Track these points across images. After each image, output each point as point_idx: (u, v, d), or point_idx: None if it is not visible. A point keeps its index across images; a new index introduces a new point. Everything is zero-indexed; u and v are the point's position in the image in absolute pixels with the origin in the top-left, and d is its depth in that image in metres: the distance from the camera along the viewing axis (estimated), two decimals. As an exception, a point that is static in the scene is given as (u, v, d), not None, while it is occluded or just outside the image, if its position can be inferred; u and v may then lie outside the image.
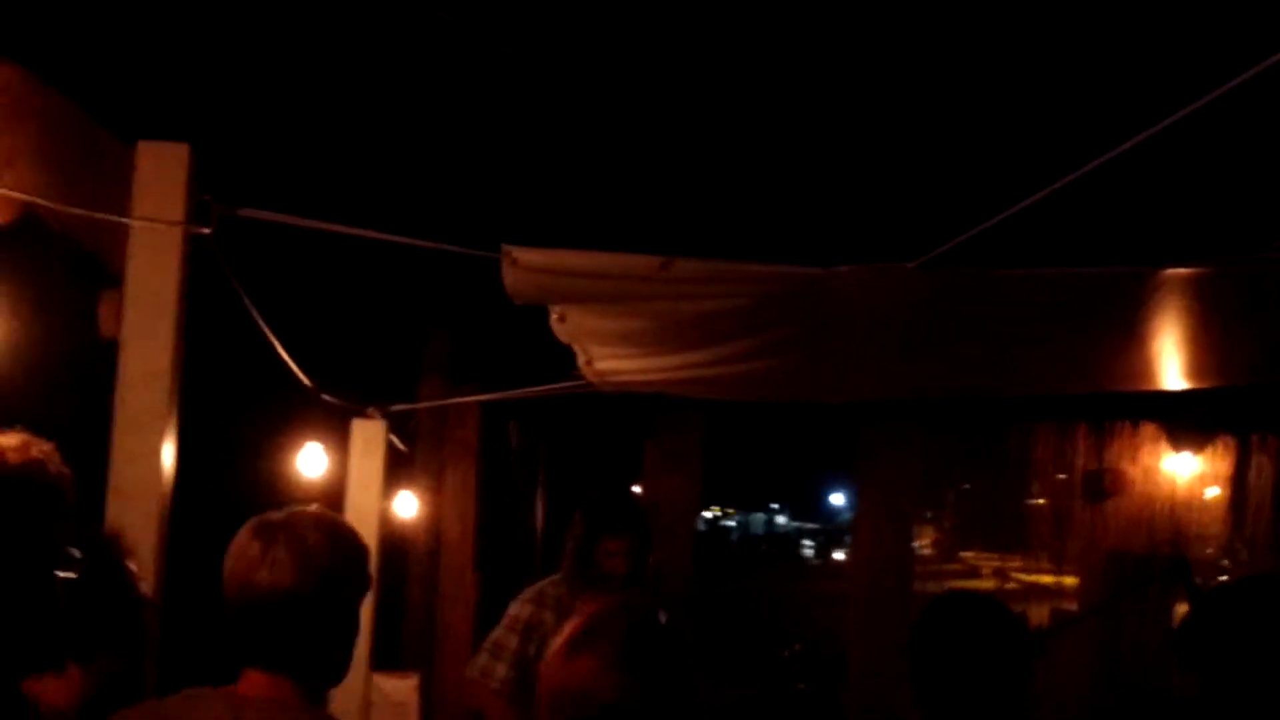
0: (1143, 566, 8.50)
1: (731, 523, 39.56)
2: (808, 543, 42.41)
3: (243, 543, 2.67)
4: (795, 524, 48.02)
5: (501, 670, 5.32)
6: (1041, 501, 16.65)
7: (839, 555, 38.90)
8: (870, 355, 5.11)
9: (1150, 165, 3.24)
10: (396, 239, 4.55)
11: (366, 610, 4.98)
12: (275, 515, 2.70)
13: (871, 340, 4.86)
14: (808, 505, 47.29)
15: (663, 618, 2.65)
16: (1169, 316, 4.68)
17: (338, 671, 2.76)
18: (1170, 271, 4.21)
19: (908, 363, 5.27)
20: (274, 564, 2.62)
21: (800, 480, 42.08)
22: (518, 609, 5.46)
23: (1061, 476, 12.21)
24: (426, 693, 7.60)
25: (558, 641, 2.64)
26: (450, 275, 5.15)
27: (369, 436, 6.29)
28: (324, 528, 2.70)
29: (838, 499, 47.22)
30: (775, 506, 47.22)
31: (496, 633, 5.47)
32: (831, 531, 43.56)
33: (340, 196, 4.85)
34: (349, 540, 2.74)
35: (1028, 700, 3.43)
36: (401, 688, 7.46)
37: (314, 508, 2.78)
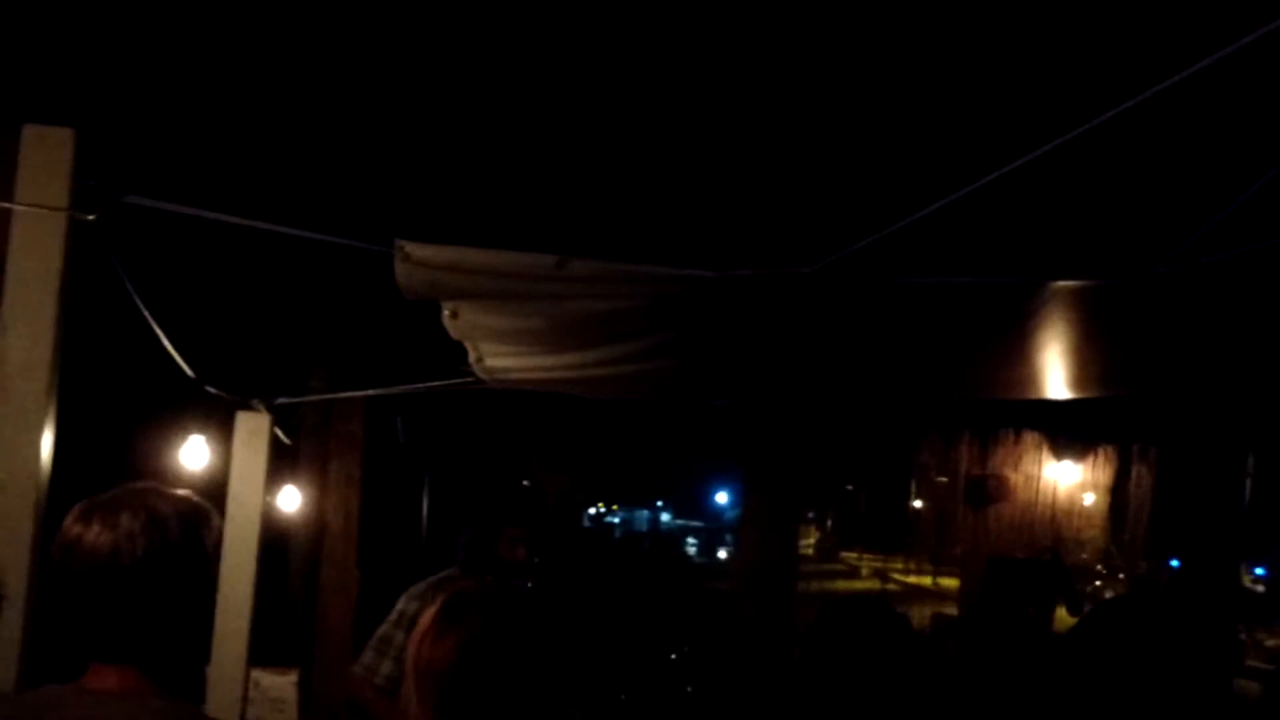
0: (1023, 572, 8.64)
1: (615, 519, 39.61)
2: (691, 541, 42.58)
3: (71, 523, 2.58)
4: (679, 522, 48.20)
5: (387, 667, 5.30)
6: (923, 505, 16.95)
7: (722, 554, 39.19)
8: (762, 359, 5.13)
9: (1045, 178, 3.29)
10: (284, 230, 4.47)
11: (245, 604, 4.93)
12: (110, 493, 2.62)
13: (764, 345, 4.87)
14: (691, 504, 47.53)
15: (525, 598, 2.68)
16: (1055, 328, 4.75)
17: (189, 655, 2.66)
18: (1058, 284, 4.28)
19: (798, 367, 5.30)
20: (101, 540, 2.53)
21: (684, 479, 42.32)
22: (405, 604, 5.46)
23: (943, 480, 12.42)
24: (306, 688, 7.50)
25: (424, 621, 2.66)
26: (340, 269, 5.08)
27: (253, 429, 6.17)
28: (157, 500, 2.62)
29: (721, 498, 47.52)
30: (659, 504, 47.34)
31: (383, 628, 5.45)
32: (715, 530, 43.80)
33: (231, 188, 4.76)
34: (185, 511, 2.64)
35: (916, 703, 3.47)
36: (281, 683, 7.36)
37: (147, 484, 2.70)
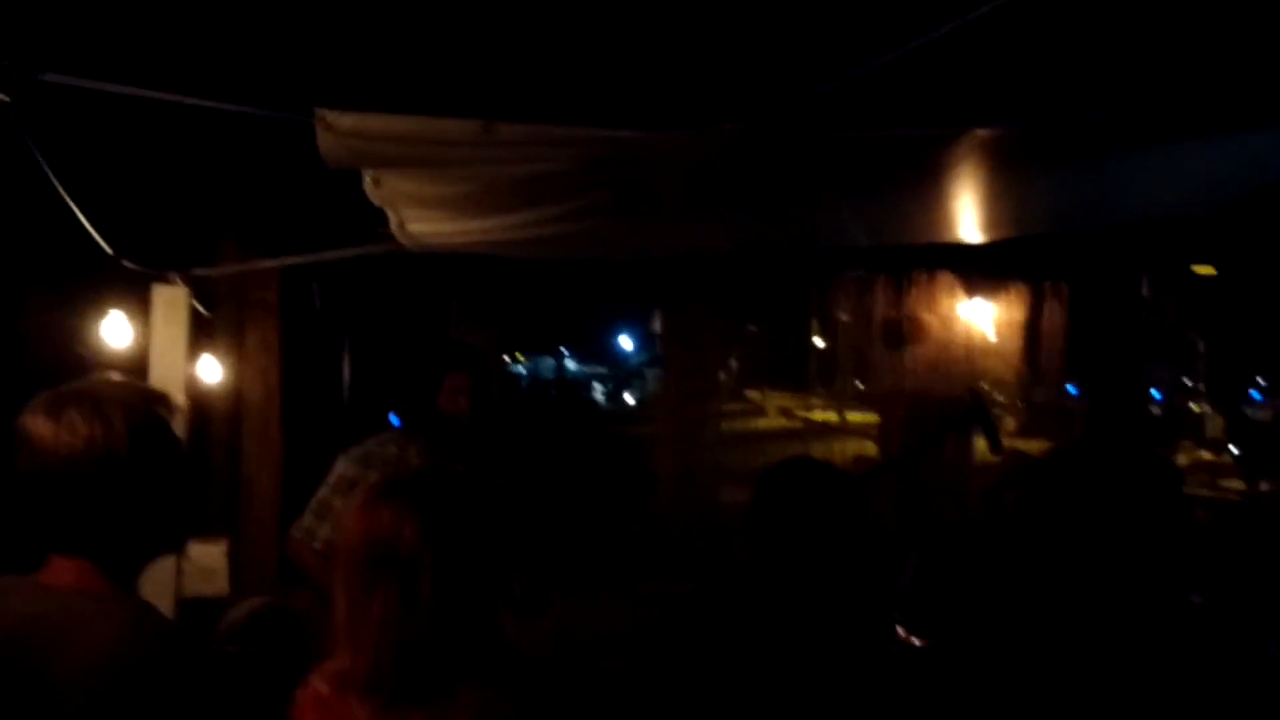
0: (942, 410, 8.84)
1: (521, 369, 39.65)
2: (598, 387, 42.79)
3: (33, 416, 2.55)
4: (584, 369, 48.38)
5: (325, 530, 5.27)
6: (838, 346, 17.18)
7: (629, 398, 39.46)
8: (688, 214, 5.15)
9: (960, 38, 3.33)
10: (201, 102, 4.39)
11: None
12: (66, 387, 2.60)
13: (690, 200, 4.90)
14: (596, 349, 47.65)
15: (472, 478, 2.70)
16: (970, 174, 4.83)
17: (151, 548, 2.66)
18: (974, 133, 4.36)
19: (723, 220, 5.33)
20: (68, 433, 2.51)
21: (588, 325, 42.41)
22: (343, 468, 5.41)
23: (844, 318, 12.62)
24: (235, 556, 7.52)
25: (360, 493, 2.69)
26: (252, 136, 4.99)
27: (170, 302, 6.11)
28: (120, 394, 2.59)
29: (626, 343, 47.73)
30: (564, 351, 47.45)
31: (322, 492, 5.41)
32: (621, 375, 44.03)
33: (146, 61, 4.64)
34: (137, 402, 2.63)
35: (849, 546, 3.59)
36: (210, 553, 7.37)
37: (111, 375, 2.68)
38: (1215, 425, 20.57)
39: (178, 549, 2.71)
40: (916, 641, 6.70)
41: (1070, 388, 14.71)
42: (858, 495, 3.61)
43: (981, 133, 4.30)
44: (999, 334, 11.47)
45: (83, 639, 2.46)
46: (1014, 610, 6.04)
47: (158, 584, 5.40)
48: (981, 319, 11.41)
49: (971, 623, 6.26)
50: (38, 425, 2.53)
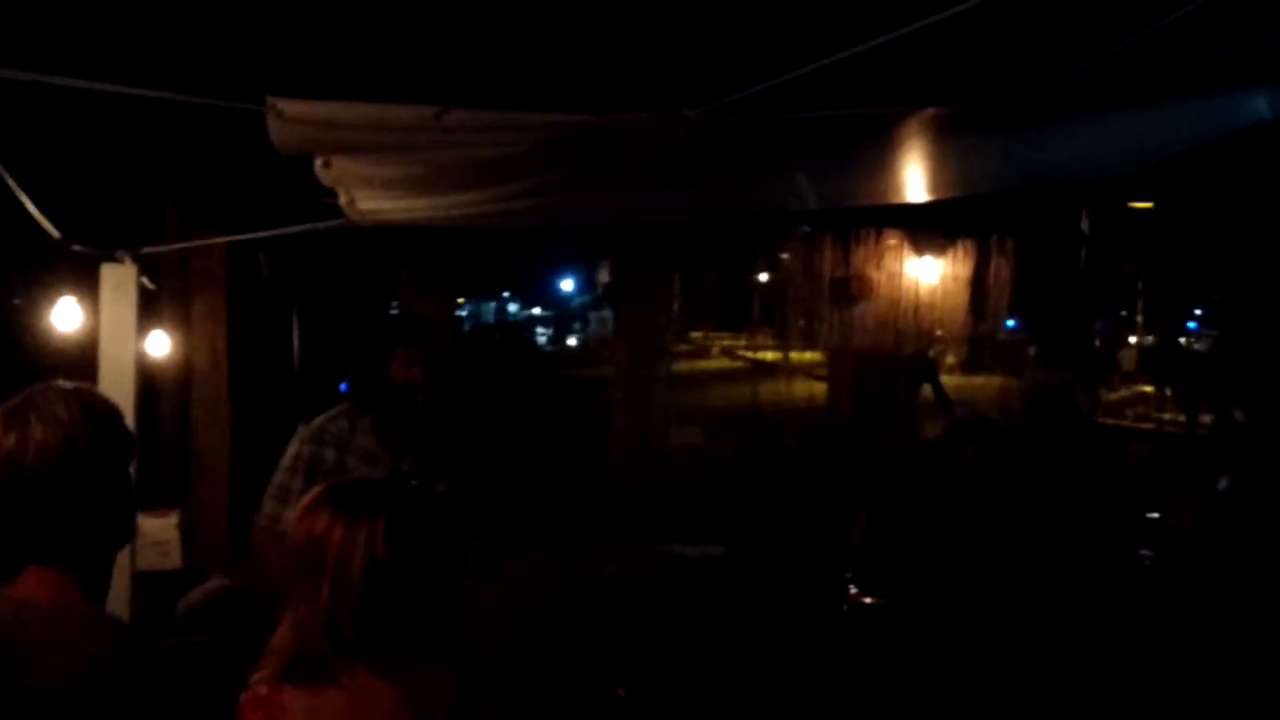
0: (891, 368, 8.90)
1: (463, 313, 39.42)
2: (540, 330, 42.85)
3: None
4: (526, 312, 48.35)
5: (289, 514, 5.20)
6: (765, 278, 17.20)
7: (572, 340, 39.54)
8: (640, 185, 5.15)
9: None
10: (148, 93, 4.35)
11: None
12: (17, 398, 2.61)
13: (642, 174, 4.90)
14: (537, 292, 47.60)
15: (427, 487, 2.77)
16: (919, 143, 4.89)
17: (116, 543, 2.69)
18: (924, 111, 4.41)
19: (675, 190, 5.34)
20: (36, 442, 2.53)
21: (529, 268, 42.28)
22: (298, 448, 5.36)
23: (792, 270, 12.69)
24: (187, 528, 7.50)
25: (305, 499, 2.76)
26: (196, 114, 4.95)
27: (119, 281, 6.01)
28: (71, 398, 2.62)
29: (567, 285, 47.67)
30: (506, 295, 47.36)
31: (279, 476, 5.35)
32: (563, 318, 44.04)
33: (90, 44, 4.59)
34: (100, 406, 2.66)
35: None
36: (163, 525, 7.36)
37: (56, 382, 2.69)
38: (1151, 357, 20.90)
39: (129, 539, 2.74)
40: (869, 600, 6.82)
41: (1009, 322, 14.87)
42: (805, 461, 3.69)
43: (931, 110, 4.35)
44: (946, 289, 11.56)
45: (58, 655, 2.48)
46: (965, 567, 6.15)
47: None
48: (929, 275, 11.48)
49: (924, 580, 6.36)
50: (1, 440, 2.53)
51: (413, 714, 2.61)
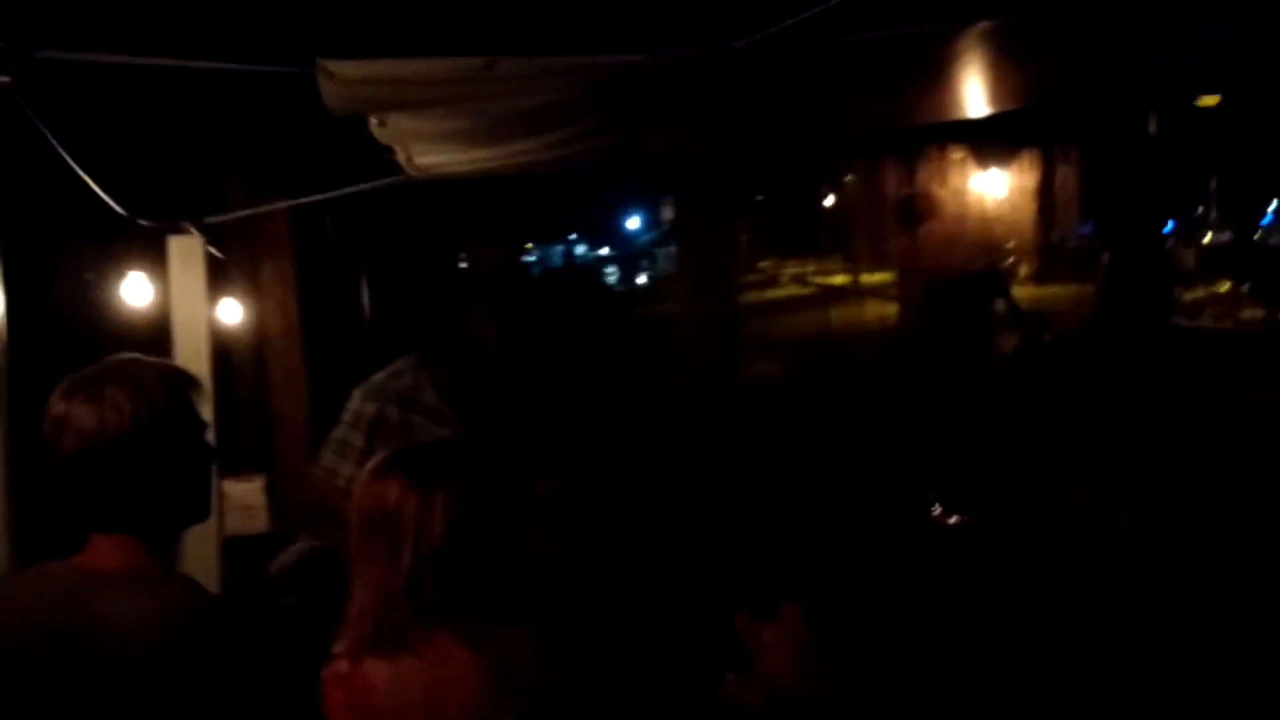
0: (960, 287, 8.82)
1: (531, 258, 39.49)
2: (609, 270, 42.79)
3: (68, 400, 2.59)
4: (594, 253, 48.32)
5: (348, 469, 5.16)
6: (834, 210, 17.06)
7: (641, 279, 39.47)
8: (697, 124, 5.13)
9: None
10: (201, 64, 4.39)
11: (207, 419, 4.98)
12: (92, 369, 2.64)
13: (699, 113, 4.88)
14: (604, 233, 47.53)
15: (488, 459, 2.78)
16: (976, 59, 4.83)
17: (188, 516, 2.71)
18: (977, 25, 4.36)
19: (733, 125, 5.31)
20: (113, 412, 2.56)
21: (594, 209, 42.22)
22: (359, 405, 5.32)
23: (856, 192, 12.59)
24: (273, 491, 7.61)
25: (370, 465, 2.78)
26: (253, 82, 4.98)
27: (186, 251, 6.09)
28: (144, 370, 2.65)
29: (633, 224, 47.58)
30: (573, 237, 47.35)
31: (340, 430, 5.32)
32: (630, 257, 43.97)
33: (142, 19, 4.63)
34: (168, 378, 2.68)
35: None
36: (248, 489, 7.48)
37: (130, 355, 2.72)
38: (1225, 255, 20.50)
39: (206, 517, 2.77)
40: (953, 519, 6.82)
41: (1082, 229, 14.67)
42: (881, 382, 3.68)
43: (984, 24, 4.29)
44: (1013, 202, 11.42)
45: (130, 621, 2.53)
46: (1048, 481, 6.13)
47: (201, 525, 5.47)
48: (995, 189, 11.34)
49: (1006, 499, 6.35)
50: (76, 409, 2.57)
51: (494, 678, 2.64)
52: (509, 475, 2.85)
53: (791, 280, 27.99)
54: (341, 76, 4.20)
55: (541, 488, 5.01)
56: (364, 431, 5.24)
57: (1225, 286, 19.48)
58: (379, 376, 5.41)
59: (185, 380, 2.75)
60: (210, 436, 2.78)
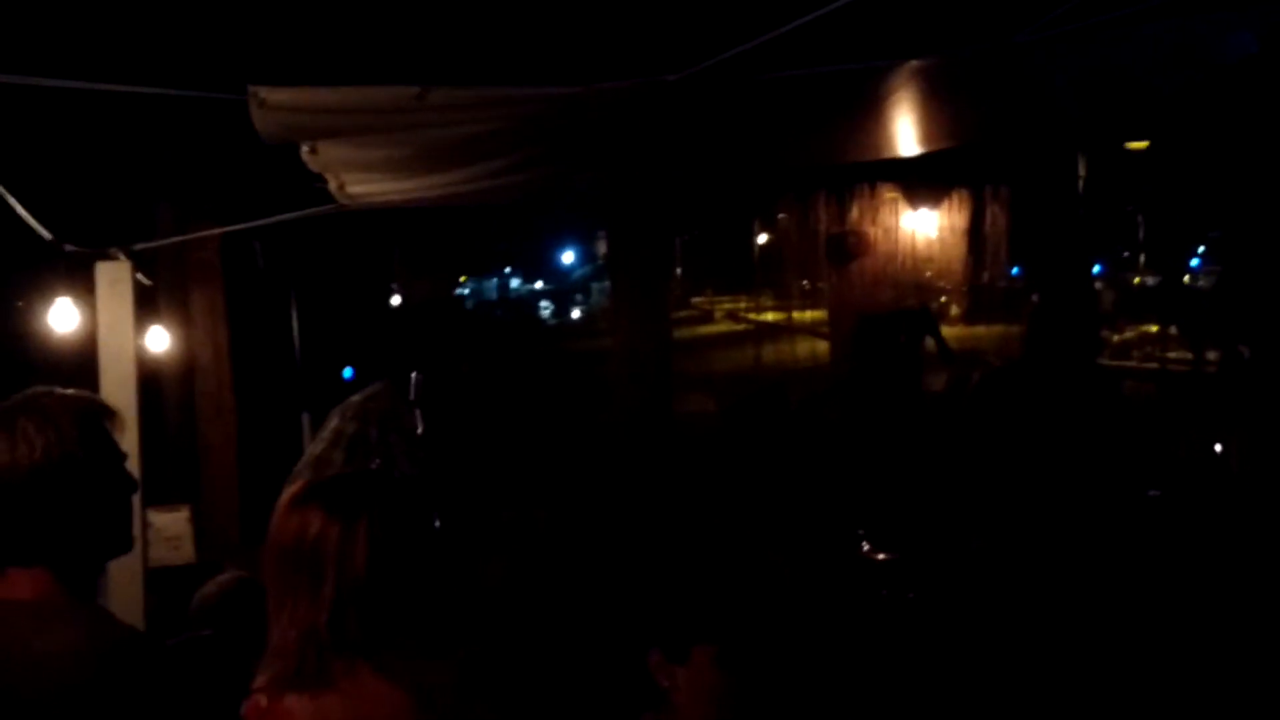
0: (891, 322, 8.89)
1: (465, 290, 39.37)
2: (544, 304, 42.78)
3: None
4: (528, 286, 48.29)
5: None
6: (767, 246, 17.11)
7: (575, 314, 39.51)
8: (629, 158, 5.15)
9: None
10: (132, 89, 4.35)
11: (132, 450, 4.91)
12: (7, 401, 2.61)
13: (632, 147, 4.89)
14: (538, 267, 47.50)
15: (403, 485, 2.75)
16: (907, 97, 4.88)
17: (105, 552, 2.67)
18: (908, 64, 4.40)
19: (665, 158, 5.33)
20: (25, 445, 2.52)
21: (528, 243, 42.19)
22: (341, 424, 5.30)
23: (788, 229, 12.66)
24: (200, 521, 7.52)
25: (285, 495, 2.73)
26: (181, 107, 4.95)
27: (114, 278, 6.01)
28: (55, 401, 2.61)
29: (568, 258, 47.59)
30: (507, 271, 47.29)
31: (318, 448, 5.28)
32: (564, 291, 43.98)
33: (73, 45, 4.59)
34: (82, 411, 2.65)
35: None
36: (175, 520, 7.38)
37: (49, 388, 2.68)
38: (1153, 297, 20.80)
39: (128, 550, 2.71)
40: (881, 556, 6.84)
41: (1014, 270, 14.83)
42: (810, 420, 3.70)
43: (915, 64, 4.34)
44: (944, 241, 11.52)
45: (41, 653, 2.48)
46: (973, 518, 6.17)
47: (125, 556, 5.39)
48: (926, 228, 11.45)
49: (936, 535, 6.39)
50: None
51: (416, 713, 2.60)
52: (422, 504, 2.82)
53: (726, 316, 28.08)
54: (273, 103, 4.17)
55: (504, 517, 5.02)
56: (344, 449, 5.21)
57: (1153, 328, 19.76)
58: (356, 398, 5.40)
59: (99, 411, 2.70)
60: (129, 467, 2.73)
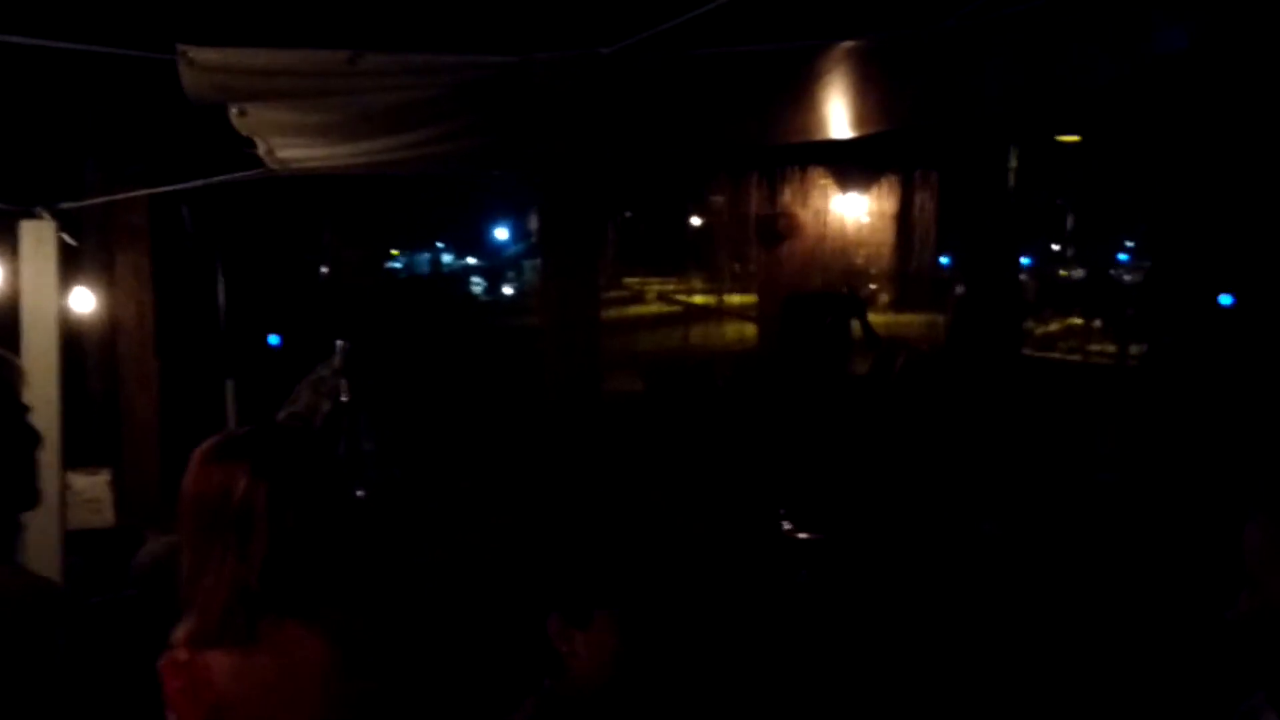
0: (819, 303, 8.95)
1: (396, 264, 39.09)
2: (476, 280, 42.58)
3: None
4: (460, 262, 48.03)
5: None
6: (700, 228, 17.15)
7: (508, 290, 39.40)
8: (563, 131, 5.14)
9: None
10: (59, 45, 4.30)
11: (54, 411, 4.86)
12: None
13: (566, 119, 4.88)
14: (471, 242, 47.24)
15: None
16: (839, 79, 4.90)
17: (13, 502, 2.66)
18: (840, 45, 4.43)
19: (598, 132, 5.33)
20: None
21: (461, 218, 41.93)
22: (296, 394, 5.26)
23: (720, 211, 12.71)
24: (120, 485, 7.45)
25: (199, 451, 2.72)
26: (111, 66, 4.90)
27: (39, 238, 5.94)
28: None
29: (501, 234, 47.39)
30: (440, 245, 46.99)
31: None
32: (497, 267, 43.79)
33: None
34: None
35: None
36: (94, 483, 7.31)
37: None
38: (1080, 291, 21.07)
39: (33, 505, 2.71)
40: (803, 535, 6.90)
41: (943, 259, 14.98)
42: (735, 400, 3.75)
43: (847, 45, 4.37)
44: (873, 226, 11.61)
45: None
46: (894, 501, 6.24)
47: (43, 517, 5.35)
48: (856, 212, 11.54)
49: (855, 515, 6.45)
50: None
51: (340, 667, 2.61)
52: (337, 463, 2.83)
53: (657, 298, 28.08)
54: (201, 63, 4.14)
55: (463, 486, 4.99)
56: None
57: (1078, 321, 20.02)
58: (318, 370, 5.34)
59: (1, 363, 2.69)
60: (31, 419, 2.72)
